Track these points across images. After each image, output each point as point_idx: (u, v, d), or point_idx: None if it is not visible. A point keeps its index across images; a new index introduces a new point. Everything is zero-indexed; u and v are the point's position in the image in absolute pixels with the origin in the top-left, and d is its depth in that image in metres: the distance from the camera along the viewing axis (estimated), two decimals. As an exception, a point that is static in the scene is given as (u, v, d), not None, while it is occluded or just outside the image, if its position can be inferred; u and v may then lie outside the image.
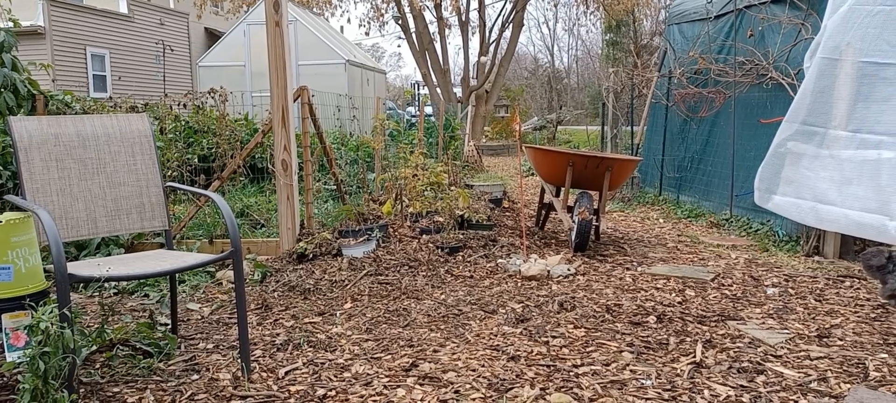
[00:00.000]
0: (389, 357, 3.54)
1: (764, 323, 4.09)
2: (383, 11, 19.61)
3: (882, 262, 4.19)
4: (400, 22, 18.43)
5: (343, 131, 10.02)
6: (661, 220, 8.30)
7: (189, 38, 23.19)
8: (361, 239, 5.57)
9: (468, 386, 3.14)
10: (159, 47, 18.38)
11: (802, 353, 3.56)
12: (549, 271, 5.21)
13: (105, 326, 3.55)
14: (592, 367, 3.38)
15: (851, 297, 4.64)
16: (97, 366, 3.37)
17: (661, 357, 3.53)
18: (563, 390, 3.11)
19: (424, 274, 5.17)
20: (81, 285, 4.83)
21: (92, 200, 3.46)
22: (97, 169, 3.51)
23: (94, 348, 3.51)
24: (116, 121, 3.65)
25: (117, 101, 8.26)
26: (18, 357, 2.79)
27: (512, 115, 22.51)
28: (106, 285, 4.68)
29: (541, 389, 3.11)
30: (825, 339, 3.79)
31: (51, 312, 2.59)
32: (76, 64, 18.46)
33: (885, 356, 3.50)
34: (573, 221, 6.14)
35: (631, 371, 3.34)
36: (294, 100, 5.84)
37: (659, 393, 3.07)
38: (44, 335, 2.54)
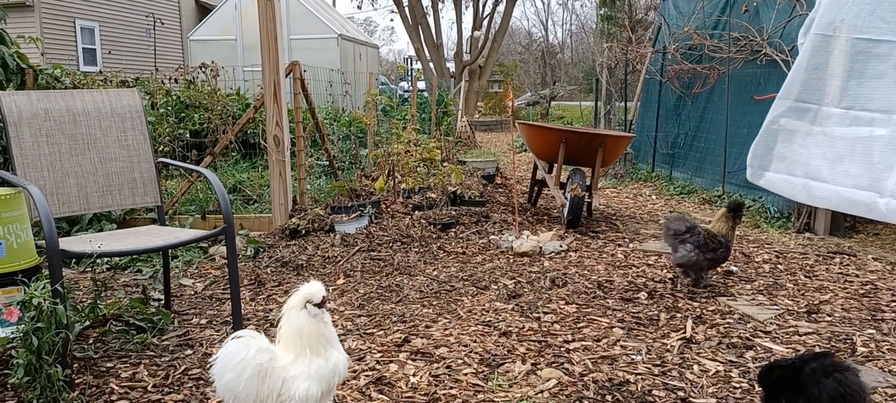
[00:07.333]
0: (382, 332, 3.56)
1: (754, 299, 4.12)
2: (376, -15, 19.42)
3: (682, 229, 4.19)
4: (393, -5, 18.28)
5: (335, 106, 9.98)
6: (653, 197, 8.32)
7: (180, 11, 22.93)
8: (354, 215, 5.57)
9: (460, 362, 3.16)
10: (150, 20, 18.19)
11: (791, 329, 3.59)
12: (541, 247, 5.23)
13: (98, 301, 3.55)
14: (583, 343, 3.40)
15: (841, 274, 4.68)
16: (90, 341, 3.38)
17: (651, 332, 3.56)
18: (553, 365, 3.13)
19: (417, 250, 5.18)
20: (73, 260, 4.81)
21: (83, 176, 3.45)
22: (88, 144, 3.49)
23: (88, 323, 3.51)
24: (107, 96, 3.63)
25: (108, 76, 8.19)
26: (12, 333, 2.80)
27: (505, 91, 22.44)
28: (98, 261, 4.67)
29: (532, 364, 3.13)
30: (814, 315, 3.82)
31: (43, 288, 2.59)
32: (65, 37, 18.24)
33: (873, 332, 3.54)
34: (565, 198, 6.15)
35: (621, 346, 3.37)
36: (286, 76, 5.80)
37: (649, 368, 3.09)
38: (37, 310, 2.54)
